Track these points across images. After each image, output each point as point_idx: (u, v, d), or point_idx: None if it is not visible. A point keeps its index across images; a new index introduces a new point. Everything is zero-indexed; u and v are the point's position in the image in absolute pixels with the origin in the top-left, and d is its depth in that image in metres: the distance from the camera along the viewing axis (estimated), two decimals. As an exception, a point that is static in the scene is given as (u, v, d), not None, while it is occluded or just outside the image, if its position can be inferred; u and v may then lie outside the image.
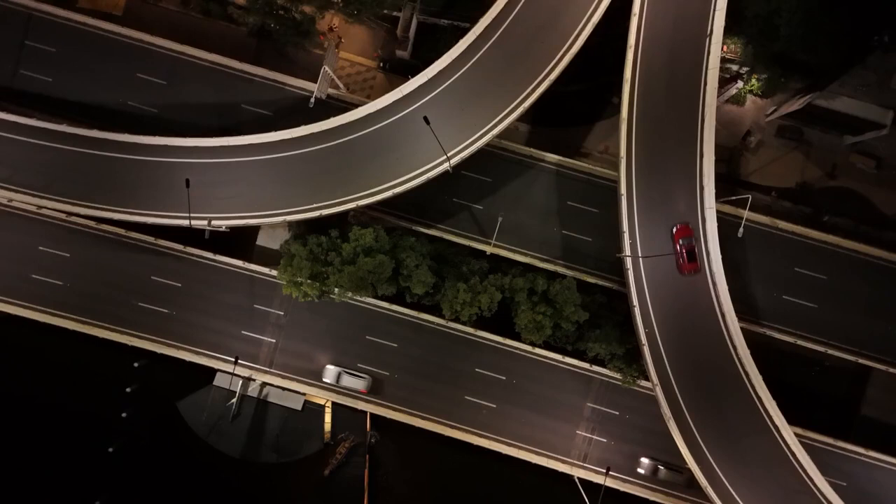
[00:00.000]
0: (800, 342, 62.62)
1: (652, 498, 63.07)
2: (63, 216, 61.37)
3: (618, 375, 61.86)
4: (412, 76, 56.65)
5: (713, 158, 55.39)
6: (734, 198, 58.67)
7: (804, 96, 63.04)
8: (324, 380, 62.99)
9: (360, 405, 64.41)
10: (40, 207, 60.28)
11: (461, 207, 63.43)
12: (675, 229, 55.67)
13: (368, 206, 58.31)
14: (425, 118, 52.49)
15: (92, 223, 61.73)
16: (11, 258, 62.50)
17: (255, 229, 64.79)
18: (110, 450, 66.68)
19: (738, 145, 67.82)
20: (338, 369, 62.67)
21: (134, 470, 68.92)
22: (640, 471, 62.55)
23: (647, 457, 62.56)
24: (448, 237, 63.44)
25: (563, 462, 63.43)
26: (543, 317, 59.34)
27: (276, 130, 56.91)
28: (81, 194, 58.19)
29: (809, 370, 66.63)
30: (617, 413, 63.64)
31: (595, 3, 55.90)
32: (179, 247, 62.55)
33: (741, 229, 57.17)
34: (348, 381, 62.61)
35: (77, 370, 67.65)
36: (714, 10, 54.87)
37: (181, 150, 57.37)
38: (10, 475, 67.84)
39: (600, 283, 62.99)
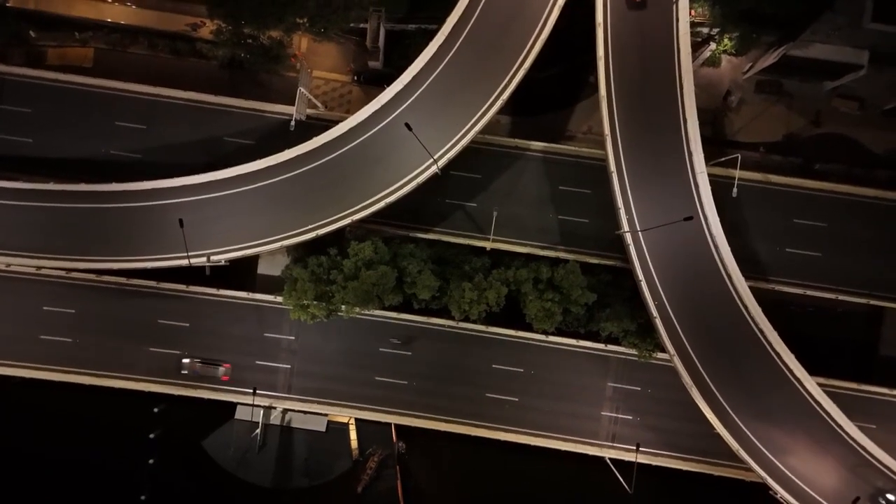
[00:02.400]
0: (809, 292, 62.62)
1: (685, 468, 63.05)
2: (63, 273, 61.45)
3: (634, 351, 61.81)
4: (388, 85, 56.77)
5: (697, 123, 55.49)
6: (723, 159, 58.71)
7: (778, 49, 63.11)
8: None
9: (384, 417, 64.46)
10: (39, 268, 60.39)
11: (455, 207, 63.50)
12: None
13: (363, 220, 58.34)
14: (407, 124, 52.54)
15: (93, 276, 61.78)
16: (18, 322, 62.57)
17: (254, 259, 64.83)
18: (143, 498, 66.67)
19: (720, 106, 67.88)
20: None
21: (169, 514, 69.00)
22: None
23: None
24: (446, 239, 63.50)
25: (592, 445, 63.42)
26: (552, 304, 59.36)
27: (260, 158, 57.04)
28: (78, 249, 58.34)
29: (822, 319, 66.62)
30: (639, 388, 63.66)
31: (558, -14, 56.04)
32: (182, 287, 62.60)
33: (735, 189, 57.21)
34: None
35: (98, 423, 67.55)
36: (676, -23, 54.97)
37: (170, 191, 57.45)
38: (47, 537, 67.93)
39: (603, 262, 63.04)
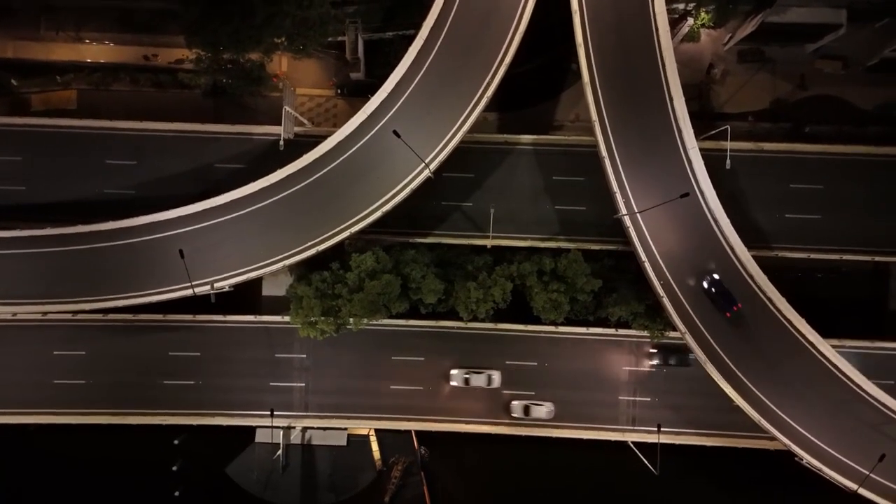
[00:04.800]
0: (812, 256, 62.62)
1: (709, 443, 63.00)
2: (70, 316, 61.55)
3: (645, 333, 61.78)
4: (371, 95, 56.88)
5: (683, 99, 55.49)
6: (713, 132, 58.68)
7: (755, 17, 63.14)
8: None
9: (404, 425, 64.47)
10: (45, 314, 60.49)
11: (451, 209, 63.56)
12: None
13: (362, 231, 58.36)
14: (395, 132, 52.68)
15: (99, 316, 61.89)
16: (30, 370, 62.65)
17: (258, 281, 64.88)
18: (173, 530, 66.83)
19: (704, 80, 67.91)
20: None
21: (200, 544, 69.04)
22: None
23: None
24: (446, 241, 63.56)
25: (614, 430, 63.35)
26: (558, 294, 59.40)
27: (253, 181, 57.12)
28: (82, 291, 58.39)
29: (829, 281, 66.59)
30: (654, 369, 63.62)
31: (530, -22, 56.12)
32: (189, 317, 62.69)
33: (728, 161, 57.19)
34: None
35: (120, 461, 67.65)
36: (647, -44, 55.06)
37: (167, 223, 57.53)
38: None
39: (605, 247, 63.08)
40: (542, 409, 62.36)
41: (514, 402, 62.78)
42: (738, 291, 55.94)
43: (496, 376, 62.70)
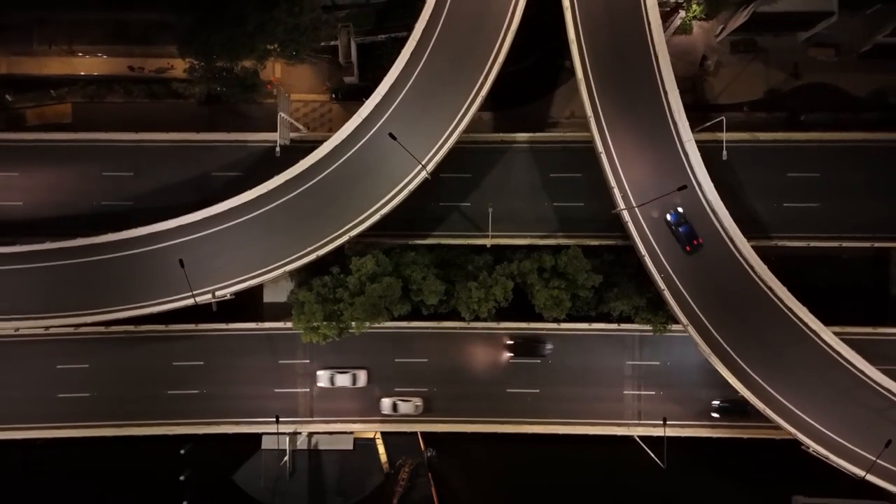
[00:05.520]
0: (812, 244, 62.62)
1: (715, 435, 63.02)
2: (72, 330, 61.49)
3: (648, 326, 61.80)
4: (366, 98, 56.89)
5: (677, 92, 55.58)
6: (709, 123, 58.74)
7: (747, 7, 63.18)
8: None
9: (409, 427, 64.46)
10: (48, 328, 60.45)
11: (450, 209, 63.58)
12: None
13: (361, 234, 58.40)
14: (391, 134, 52.69)
15: (102, 328, 61.87)
16: (34, 385, 62.67)
17: (259, 288, 64.89)
18: (182, 540, 66.80)
19: (698, 72, 67.96)
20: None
21: (210, 554, 69.00)
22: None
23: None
24: (446, 241, 63.57)
25: (620, 425, 63.38)
26: (559, 291, 59.41)
27: (251, 188, 57.15)
28: (84, 304, 58.40)
29: (830, 268, 66.56)
30: (658, 363, 63.64)
31: (521, -24, 56.15)
32: (192, 326, 62.70)
33: (724, 152, 57.22)
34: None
35: (127, 473, 67.60)
36: (636, -50, 55.13)
37: (166, 233, 57.57)
38: None
39: (604, 243, 63.08)
40: (410, 405, 62.79)
41: (384, 399, 63.20)
42: (739, 280, 55.93)
43: (362, 375, 63.04)
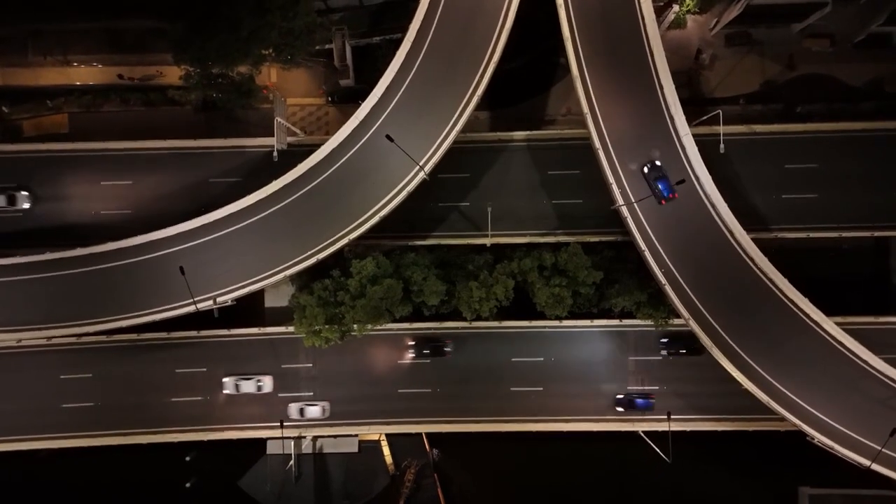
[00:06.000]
0: (812, 235, 62.62)
1: (719, 428, 63.00)
2: (75, 340, 61.55)
3: (649, 322, 61.79)
4: (362, 101, 56.88)
5: (673, 86, 55.54)
6: (705, 117, 58.71)
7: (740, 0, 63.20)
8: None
9: (414, 428, 64.45)
10: (50, 339, 60.45)
11: (449, 210, 63.60)
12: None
13: (361, 237, 58.44)
14: (388, 136, 52.71)
15: (104, 337, 61.92)
16: (37, 396, 62.69)
17: (260, 293, 64.85)
18: (189, 547, 66.86)
19: (693, 66, 67.95)
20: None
21: (218, 560, 69.01)
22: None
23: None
24: (445, 242, 63.61)
25: (624, 421, 63.37)
26: (560, 288, 59.42)
27: (249, 194, 57.15)
28: (85, 313, 58.43)
29: (831, 259, 66.55)
30: (660, 358, 63.63)
31: (514, -25, 56.14)
32: (194, 333, 62.74)
33: (721, 145, 57.22)
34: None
35: (133, 481, 67.70)
36: (629, -54, 55.12)
37: (166, 240, 57.61)
38: None
39: (604, 239, 63.10)
40: (316, 409, 62.82)
41: (291, 405, 63.03)
42: (739, 273, 55.94)
43: (267, 381, 62.79)
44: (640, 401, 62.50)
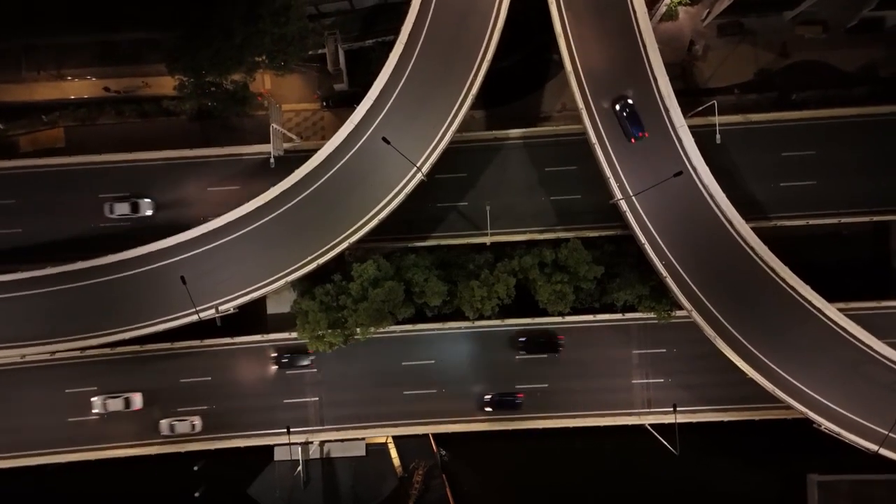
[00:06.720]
0: (811, 222, 62.61)
1: (726, 418, 63.00)
2: (78, 353, 61.57)
3: (652, 314, 61.80)
4: (357, 104, 56.90)
5: (667, 78, 55.54)
6: (700, 108, 58.73)
7: (731, -11, 63.20)
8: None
9: (420, 429, 64.50)
10: (54, 353, 60.50)
11: (447, 210, 63.64)
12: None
13: (360, 240, 58.46)
14: (384, 138, 52.76)
15: (107, 350, 61.95)
16: (44, 411, 62.78)
17: (262, 300, 64.88)
18: (201, 557, 66.79)
19: (686, 57, 67.94)
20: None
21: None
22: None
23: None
24: (445, 242, 63.65)
25: (630, 414, 63.42)
26: (562, 284, 59.46)
27: (248, 201, 57.20)
28: (88, 326, 58.51)
29: (831, 245, 66.50)
30: (664, 350, 63.64)
31: (503, -26, 56.15)
32: (197, 342, 62.79)
33: (717, 135, 57.24)
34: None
35: (142, 493, 67.70)
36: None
37: (166, 251, 57.67)
38: None
39: (604, 233, 63.15)
40: (186, 424, 62.31)
41: (162, 421, 62.48)
42: (740, 263, 55.90)
43: (136, 398, 62.05)
44: (507, 399, 62.46)
